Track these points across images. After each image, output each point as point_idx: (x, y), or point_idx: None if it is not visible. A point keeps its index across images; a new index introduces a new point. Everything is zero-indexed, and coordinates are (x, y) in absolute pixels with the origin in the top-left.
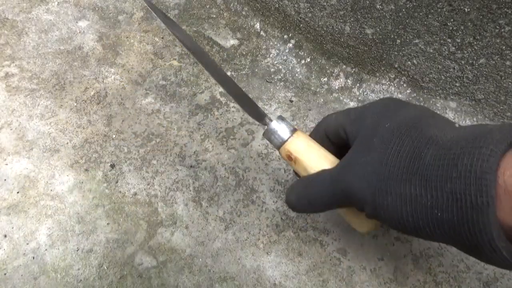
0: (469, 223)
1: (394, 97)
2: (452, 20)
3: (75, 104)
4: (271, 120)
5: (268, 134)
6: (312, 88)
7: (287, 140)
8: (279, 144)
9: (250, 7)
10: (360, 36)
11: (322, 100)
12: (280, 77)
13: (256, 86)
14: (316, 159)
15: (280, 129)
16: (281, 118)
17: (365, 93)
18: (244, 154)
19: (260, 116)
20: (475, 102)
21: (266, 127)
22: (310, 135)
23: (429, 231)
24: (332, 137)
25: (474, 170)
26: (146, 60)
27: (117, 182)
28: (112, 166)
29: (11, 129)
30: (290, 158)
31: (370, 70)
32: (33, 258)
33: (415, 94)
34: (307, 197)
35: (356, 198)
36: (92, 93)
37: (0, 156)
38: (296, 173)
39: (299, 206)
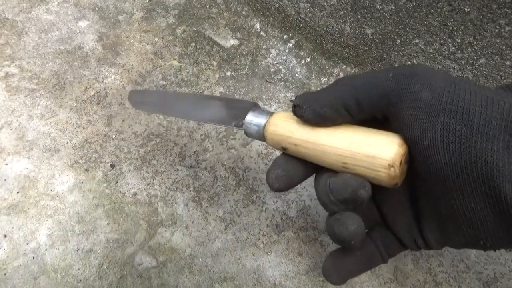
0: None
1: None
2: (452, 20)
3: (75, 104)
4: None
5: (247, 130)
6: (312, 88)
7: (267, 121)
8: (260, 131)
9: (250, 7)
10: (360, 36)
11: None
12: (280, 77)
13: (256, 86)
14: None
15: (256, 116)
16: (254, 109)
17: None
18: (244, 154)
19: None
20: None
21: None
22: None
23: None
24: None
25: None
26: (146, 60)
27: (117, 182)
28: (112, 166)
29: (11, 129)
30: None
31: (370, 70)
32: (33, 258)
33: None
34: (334, 94)
35: (420, 76)
36: (92, 93)
37: (0, 156)
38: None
39: (310, 108)
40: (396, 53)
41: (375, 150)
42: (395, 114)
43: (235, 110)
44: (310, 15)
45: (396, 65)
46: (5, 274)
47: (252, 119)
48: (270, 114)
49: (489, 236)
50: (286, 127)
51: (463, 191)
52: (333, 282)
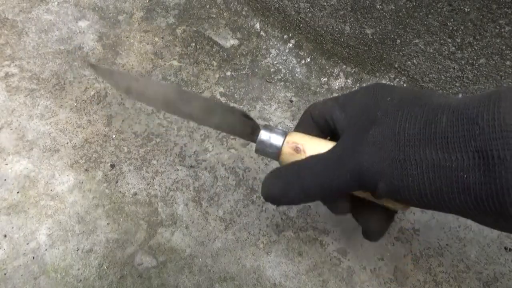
0: (496, 181)
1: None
2: (452, 20)
3: (75, 104)
4: (258, 132)
5: (261, 145)
6: (312, 88)
7: (284, 141)
8: (276, 152)
9: (250, 7)
10: (360, 36)
11: (319, 100)
12: (280, 77)
13: (256, 86)
14: (324, 145)
15: (272, 136)
16: (267, 126)
17: None
18: (244, 154)
19: (253, 130)
20: None
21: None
22: (297, 126)
23: (452, 199)
24: (320, 124)
25: (498, 124)
26: (146, 60)
27: (117, 182)
28: (112, 166)
29: (11, 129)
30: (297, 150)
31: (370, 70)
32: (33, 258)
33: (417, 91)
34: (301, 185)
35: (369, 175)
36: (92, 93)
37: (0, 156)
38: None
39: (288, 196)
40: (396, 53)
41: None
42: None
43: (244, 123)
44: (310, 15)
45: (396, 66)
46: (5, 274)
47: (267, 138)
48: (285, 134)
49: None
50: (311, 144)
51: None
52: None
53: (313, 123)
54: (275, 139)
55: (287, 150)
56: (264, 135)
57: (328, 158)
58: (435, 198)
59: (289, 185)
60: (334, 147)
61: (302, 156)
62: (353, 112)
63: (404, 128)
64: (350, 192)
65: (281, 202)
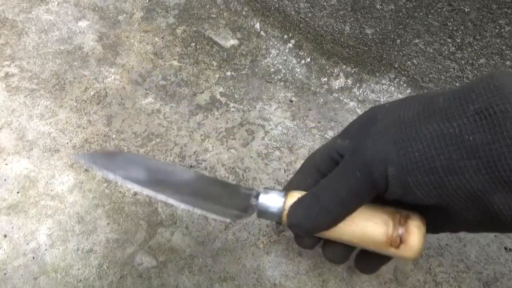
0: (504, 134)
1: (391, 100)
2: (452, 20)
3: (75, 104)
4: (257, 197)
5: (262, 211)
6: (312, 88)
7: (285, 202)
8: (279, 213)
9: (250, 7)
10: (360, 36)
11: (322, 100)
12: (280, 77)
13: (256, 86)
14: None
15: (271, 198)
16: (265, 190)
17: (365, 93)
18: (244, 154)
19: (246, 200)
20: None
21: (256, 207)
22: (293, 181)
23: (464, 168)
24: (324, 167)
25: (493, 85)
26: (146, 60)
27: (117, 182)
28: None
29: (11, 129)
30: None
31: (370, 70)
32: (33, 258)
33: (415, 94)
34: (320, 205)
35: (376, 163)
36: (92, 93)
37: (0, 156)
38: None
39: (311, 220)
40: (396, 53)
41: (400, 254)
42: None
43: (234, 197)
44: (310, 15)
45: (396, 66)
46: (5, 274)
47: (267, 202)
48: (285, 194)
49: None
50: None
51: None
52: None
53: (316, 173)
54: (275, 202)
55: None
56: (263, 198)
57: (338, 170)
58: (447, 172)
59: (309, 208)
60: (341, 162)
61: None
62: (354, 131)
63: (404, 115)
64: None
65: (306, 228)
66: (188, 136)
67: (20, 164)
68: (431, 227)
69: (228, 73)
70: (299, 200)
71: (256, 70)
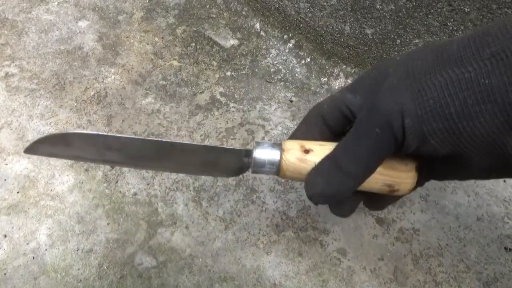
0: None
1: None
2: (452, 20)
3: (75, 104)
4: (250, 155)
5: (259, 166)
6: (312, 88)
7: (281, 154)
8: (276, 167)
9: (250, 7)
10: (360, 36)
11: (322, 100)
12: (280, 77)
13: (256, 86)
14: (329, 144)
15: (266, 152)
16: (257, 143)
17: None
18: None
19: (240, 157)
20: None
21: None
22: (298, 131)
23: (480, 113)
24: (331, 119)
25: (510, 26)
26: (146, 60)
27: (117, 182)
28: (112, 166)
29: (11, 129)
30: (306, 152)
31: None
32: (33, 258)
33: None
34: (340, 170)
35: (393, 117)
36: (92, 93)
37: (0, 156)
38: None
39: (332, 187)
40: (396, 53)
41: (398, 187)
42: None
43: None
44: (310, 15)
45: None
46: (5, 274)
47: (263, 156)
48: (280, 147)
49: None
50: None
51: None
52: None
53: (322, 124)
54: (271, 155)
55: (290, 159)
56: (258, 153)
57: (355, 130)
58: (462, 117)
59: (329, 175)
60: (355, 122)
61: (313, 157)
62: (366, 87)
63: (416, 65)
64: (389, 156)
65: (328, 195)
66: (188, 136)
67: (20, 164)
68: (442, 175)
69: (228, 73)
70: (317, 168)
71: (256, 70)
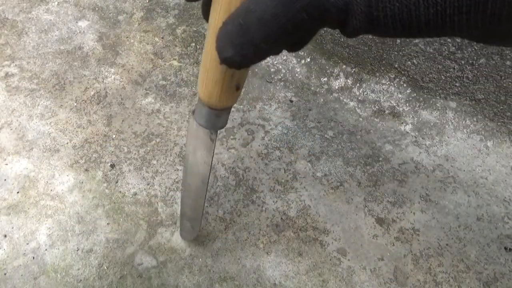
0: None
1: (392, 99)
2: None
3: (75, 104)
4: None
5: (201, 114)
6: (312, 88)
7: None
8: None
9: None
10: (360, 36)
11: (322, 100)
12: (280, 77)
13: (256, 86)
14: None
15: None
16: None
17: (365, 93)
18: (244, 154)
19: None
20: (475, 102)
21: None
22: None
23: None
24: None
25: None
26: (146, 60)
27: (117, 182)
28: (112, 166)
29: (11, 129)
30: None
31: (370, 70)
32: (33, 258)
33: (415, 94)
34: (251, 41)
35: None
36: (92, 93)
37: (0, 156)
38: None
39: (244, 55)
40: (396, 53)
41: None
42: None
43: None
44: None
45: (396, 66)
46: (5, 274)
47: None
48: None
49: None
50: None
51: None
52: None
53: None
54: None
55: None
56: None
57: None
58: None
59: (240, 44)
60: None
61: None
62: None
63: None
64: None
65: (234, 61)
66: None
67: (20, 164)
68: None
69: None
70: (224, 24)
71: (256, 70)
